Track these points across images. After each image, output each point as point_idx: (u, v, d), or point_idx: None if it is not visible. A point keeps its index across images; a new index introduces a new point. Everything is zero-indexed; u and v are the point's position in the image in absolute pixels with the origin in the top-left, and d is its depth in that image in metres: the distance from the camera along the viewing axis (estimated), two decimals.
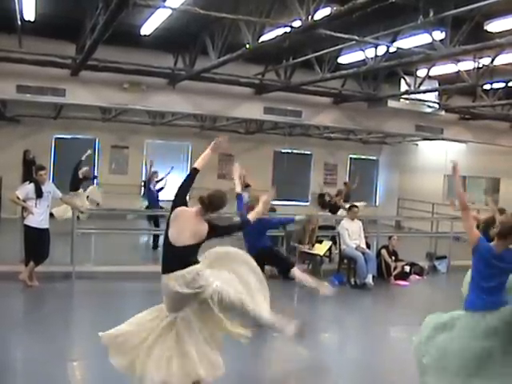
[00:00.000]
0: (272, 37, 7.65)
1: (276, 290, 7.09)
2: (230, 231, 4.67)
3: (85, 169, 13.14)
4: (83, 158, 13.19)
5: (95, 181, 15.42)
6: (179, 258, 4.19)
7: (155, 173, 12.68)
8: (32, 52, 9.65)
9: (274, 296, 7.16)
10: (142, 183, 14.38)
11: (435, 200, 17.63)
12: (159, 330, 4.20)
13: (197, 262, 4.28)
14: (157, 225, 11.90)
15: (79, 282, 8.49)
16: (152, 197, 12.37)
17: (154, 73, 10.93)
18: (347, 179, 19.26)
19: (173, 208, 4.30)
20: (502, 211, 8.60)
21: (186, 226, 4.20)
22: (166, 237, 4.25)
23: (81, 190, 13.16)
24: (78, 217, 10.15)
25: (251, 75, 11.38)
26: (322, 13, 6.36)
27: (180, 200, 4.34)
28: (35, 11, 8.02)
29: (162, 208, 11.79)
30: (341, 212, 12.02)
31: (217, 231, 4.37)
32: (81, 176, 12.98)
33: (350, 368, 6.15)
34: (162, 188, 12.63)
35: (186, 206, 4.34)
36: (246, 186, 13.64)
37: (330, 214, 12.51)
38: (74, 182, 12.89)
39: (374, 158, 21.55)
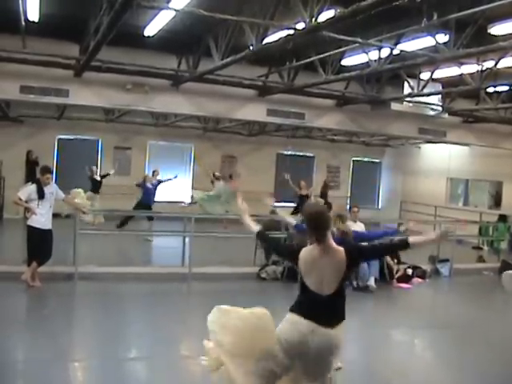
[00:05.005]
0: (276, 39, 7.65)
1: (277, 292, 7.12)
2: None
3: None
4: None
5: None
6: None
7: (154, 171, 13.89)
8: (36, 52, 9.66)
9: (275, 298, 7.19)
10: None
11: (438, 203, 17.63)
12: None
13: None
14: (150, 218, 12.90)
15: (82, 282, 8.48)
16: (147, 192, 13.35)
17: (158, 74, 10.94)
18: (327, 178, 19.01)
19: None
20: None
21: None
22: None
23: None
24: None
25: (254, 77, 11.38)
26: (326, 15, 6.36)
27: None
28: (39, 12, 8.03)
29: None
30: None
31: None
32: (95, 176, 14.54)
33: (351, 370, 6.13)
34: (160, 181, 13.58)
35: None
36: (217, 179, 14.07)
37: None
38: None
39: (377, 160, 21.54)
